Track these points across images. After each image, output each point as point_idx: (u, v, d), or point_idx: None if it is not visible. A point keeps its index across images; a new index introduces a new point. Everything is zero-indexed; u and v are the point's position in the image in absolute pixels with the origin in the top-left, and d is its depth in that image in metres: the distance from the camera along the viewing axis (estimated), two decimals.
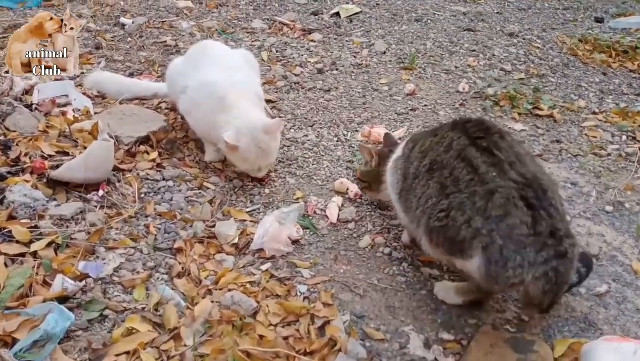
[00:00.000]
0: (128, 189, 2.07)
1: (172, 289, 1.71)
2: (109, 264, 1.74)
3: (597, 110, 3.01)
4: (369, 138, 2.60)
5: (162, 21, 3.62)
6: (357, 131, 2.67)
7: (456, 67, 3.36)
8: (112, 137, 2.17)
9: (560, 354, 1.53)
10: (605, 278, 1.89)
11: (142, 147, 2.29)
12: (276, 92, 2.95)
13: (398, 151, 1.91)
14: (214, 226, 1.97)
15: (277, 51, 3.39)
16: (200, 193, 2.15)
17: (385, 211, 2.13)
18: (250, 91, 2.26)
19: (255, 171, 2.20)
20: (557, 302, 1.53)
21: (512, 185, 1.48)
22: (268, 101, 2.79)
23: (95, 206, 1.94)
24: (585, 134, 2.77)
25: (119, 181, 2.09)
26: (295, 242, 1.97)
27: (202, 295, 1.70)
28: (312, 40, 3.58)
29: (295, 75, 3.13)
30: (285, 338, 1.58)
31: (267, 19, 3.88)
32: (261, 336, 1.57)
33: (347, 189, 2.25)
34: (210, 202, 2.11)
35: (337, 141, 2.60)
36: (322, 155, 2.49)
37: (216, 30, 3.59)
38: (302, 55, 3.36)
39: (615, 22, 4.36)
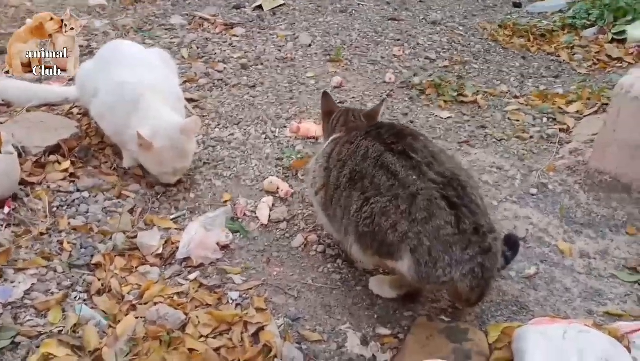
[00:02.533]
0: (37, 203, 1.92)
1: (92, 308, 1.60)
2: (19, 286, 1.61)
3: (518, 94, 3.08)
4: (298, 134, 2.54)
5: None
6: (285, 127, 2.60)
7: (382, 57, 3.35)
8: (17, 149, 2.00)
9: (494, 339, 1.53)
10: (533, 260, 1.92)
11: (52, 157, 2.13)
12: (198, 90, 2.83)
13: (319, 152, 1.89)
14: (135, 236, 1.86)
15: (198, 47, 3.26)
16: (119, 202, 2.03)
17: None
18: (166, 91, 2.16)
19: (168, 175, 2.09)
20: (485, 295, 1.55)
21: (432, 186, 1.49)
22: (190, 100, 2.68)
23: (1, 225, 1.79)
24: (508, 118, 2.83)
25: (27, 195, 1.93)
26: (224, 247, 1.89)
27: (125, 312, 1.60)
28: (234, 35, 3.47)
29: (218, 71, 3.02)
30: (217, 349, 1.52)
31: (187, 14, 3.73)
32: (191, 350, 1.49)
33: (278, 187, 2.19)
34: (131, 211, 1.99)
35: (265, 138, 2.52)
36: (250, 154, 2.41)
37: (132, 28, 3.41)
38: (225, 50, 3.26)
39: (532, 6, 4.50)
